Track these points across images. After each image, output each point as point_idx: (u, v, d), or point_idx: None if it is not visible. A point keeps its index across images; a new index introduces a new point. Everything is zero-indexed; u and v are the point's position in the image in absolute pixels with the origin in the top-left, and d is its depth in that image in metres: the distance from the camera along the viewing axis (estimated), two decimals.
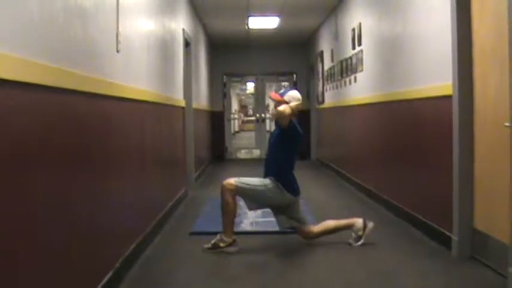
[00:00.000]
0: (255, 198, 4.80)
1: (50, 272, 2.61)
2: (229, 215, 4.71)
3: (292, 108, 4.80)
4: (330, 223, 4.96)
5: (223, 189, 4.71)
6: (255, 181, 4.83)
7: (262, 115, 15.48)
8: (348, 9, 8.93)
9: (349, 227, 4.88)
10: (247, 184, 4.77)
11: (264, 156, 5.15)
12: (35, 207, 2.43)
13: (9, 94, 2.18)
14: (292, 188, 4.87)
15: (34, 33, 2.46)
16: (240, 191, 4.74)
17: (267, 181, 4.84)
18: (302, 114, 13.48)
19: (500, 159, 3.76)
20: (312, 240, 4.91)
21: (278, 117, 4.85)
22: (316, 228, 4.93)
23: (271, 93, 5.13)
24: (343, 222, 4.94)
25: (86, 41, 3.22)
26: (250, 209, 4.97)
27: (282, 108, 4.77)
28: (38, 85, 2.44)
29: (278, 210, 4.93)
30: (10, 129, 2.20)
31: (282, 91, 5.06)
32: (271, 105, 5.18)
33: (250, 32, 12.49)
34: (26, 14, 2.38)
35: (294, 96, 4.92)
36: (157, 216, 5.36)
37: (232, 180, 4.75)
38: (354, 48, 8.38)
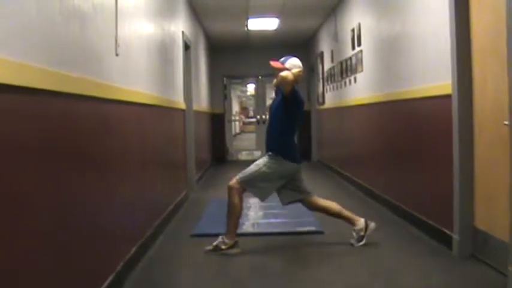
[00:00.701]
0: (262, 183, 4.75)
1: (51, 273, 2.62)
2: (234, 217, 4.71)
3: (294, 75, 4.73)
4: (335, 206, 4.96)
5: (230, 190, 4.71)
6: (253, 167, 4.80)
7: (263, 116, 15.48)
8: (347, 10, 8.94)
9: (350, 221, 4.88)
10: (248, 174, 4.75)
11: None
12: (36, 210, 2.43)
13: (7, 98, 2.19)
14: (294, 157, 4.84)
15: (33, 37, 2.47)
16: (245, 183, 4.73)
17: (264, 159, 4.81)
18: (304, 115, 13.54)
19: (500, 158, 3.77)
20: (314, 211, 4.95)
21: (280, 84, 4.76)
22: (322, 201, 4.95)
23: (272, 61, 4.95)
24: (346, 212, 4.93)
25: (84, 44, 3.23)
26: (263, 199, 4.88)
27: (284, 73, 4.68)
28: (37, 89, 2.45)
29: (283, 185, 4.88)
30: (9, 134, 2.20)
31: (282, 59, 4.92)
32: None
33: (250, 34, 12.50)
34: (25, 18, 2.39)
35: (295, 63, 4.84)
36: (158, 218, 5.37)
37: (235, 179, 4.75)
38: (353, 48, 8.38)
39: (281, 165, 4.77)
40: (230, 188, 4.73)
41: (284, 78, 4.68)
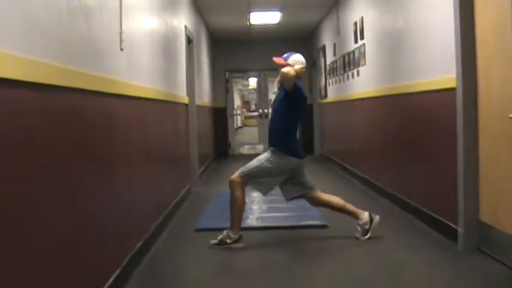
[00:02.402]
0: (264, 178, 4.76)
1: (57, 270, 2.63)
2: (237, 211, 4.71)
3: (296, 71, 4.75)
4: (339, 200, 4.97)
5: (232, 184, 4.72)
6: (255, 162, 4.80)
7: (265, 110, 15.47)
8: (350, 3, 8.91)
9: (354, 215, 4.88)
10: (250, 169, 4.75)
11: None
12: (42, 206, 2.44)
13: (14, 94, 2.19)
14: (297, 152, 4.84)
15: (39, 33, 2.47)
16: (247, 178, 4.73)
17: (267, 155, 4.81)
18: (306, 110, 13.53)
19: (505, 151, 3.77)
20: (317, 206, 4.95)
21: (283, 79, 4.77)
22: (325, 196, 4.95)
23: (275, 58, 4.97)
24: (350, 207, 4.93)
25: (90, 39, 3.23)
26: (265, 193, 4.87)
27: (286, 69, 4.69)
28: (43, 84, 2.45)
29: (285, 180, 4.88)
30: (16, 129, 2.21)
31: (285, 55, 4.94)
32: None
33: (252, 28, 12.48)
34: (31, 14, 2.39)
35: (297, 59, 4.85)
36: (162, 213, 5.38)
37: (237, 173, 4.76)
38: (356, 42, 8.37)
39: (283, 160, 4.77)
40: (232, 182, 4.73)
41: (286, 74, 4.68)
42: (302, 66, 4.83)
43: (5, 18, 2.13)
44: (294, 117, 4.87)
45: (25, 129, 2.28)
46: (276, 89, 5.40)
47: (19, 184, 2.22)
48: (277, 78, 4.93)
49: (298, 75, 4.78)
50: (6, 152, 2.11)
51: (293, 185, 4.89)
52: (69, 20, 2.88)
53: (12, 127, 2.17)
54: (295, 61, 4.82)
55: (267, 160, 4.77)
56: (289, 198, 4.98)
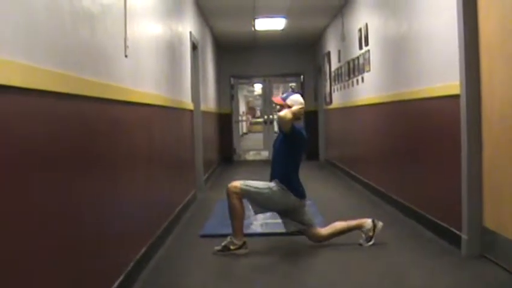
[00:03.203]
0: (260, 202, 4.80)
1: (62, 275, 2.64)
2: (237, 218, 4.72)
3: (294, 113, 4.76)
4: (338, 225, 4.96)
5: (229, 192, 4.73)
6: (260, 184, 4.83)
7: (270, 116, 15.49)
8: (355, 10, 8.93)
9: (358, 227, 4.88)
10: (252, 187, 4.77)
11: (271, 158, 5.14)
12: (46, 212, 2.45)
13: (17, 101, 2.20)
14: (298, 191, 4.87)
15: (42, 39, 2.48)
16: (245, 193, 4.75)
17: (272, 184, 4.84)
18: (310, 115, 13.59)
19: (509, 158, 3.77)
20: (321, 242, 4.91)
21: (279, 123, 4.85)
22: (325, 230, 4.93)
23: (274, 98, 5.10)
24: (352, 223, 4.93)
25: (94, 46, 3.24)
26: (256, 212, 4.93)
27: (282, 113, 4.75)
28: (46, 91, 2.46)
29: (285, 213, 4.93)
30: (18, 136, 2.22)
31: (284, 95, 5.02)
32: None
33: (257, 34, 12.51)
34: (34, 20, 2.40)
35: (296, 100, 4.89)
36: (167, 219, 5.39)
37: (237, 183, 4.76)
38: (360, 48, 8.38)
39: (285, 195, 4.81)
40: (229, 191, 4.74)
41: (282, 118, 4.76)
42: (300, 106, 4.87)
43: (8, 25, 2.14)
44: (294, 157, 4.94)
45: (26, 136, 2.30)
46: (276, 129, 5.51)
47: (21, 191, 2.23)
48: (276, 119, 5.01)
49: (297, 116, 4.83)
50: (10, 157, 2.13)
51: (293, 220, 4.93)
52: (73, 26, 2.89)
53: (14, 134, 2.18)
54: (294, 101, 4.88)
55: (269, 188, 4.81)
56: (289, 231, 5.00)
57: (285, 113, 4.74)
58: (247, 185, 4.76)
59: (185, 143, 7.04)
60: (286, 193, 4.81)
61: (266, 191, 4.79)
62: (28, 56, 2.30)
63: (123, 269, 3.67)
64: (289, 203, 4.84)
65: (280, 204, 4.84)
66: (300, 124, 4.97)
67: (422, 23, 5.33)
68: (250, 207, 4.87)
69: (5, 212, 2.07)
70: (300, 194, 4.89)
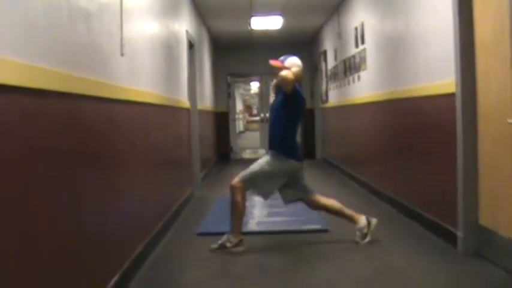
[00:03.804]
0: (265, 181, 4.78)
1: (58, 273, 2.65)
2: (238, 215, 4.73)
3: (294, 74, 4.77)
4: (336, 204, 4.98)
5: (233, 190, 4.73)
6: (255, 166, 4.83)
7: (267, 115, 15.49)
8: (351, 8, 8.94)
9: (351, 219, 4.89)
10: (251, 173, 4.78)
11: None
12: (44, 210, 2.46)
13: (15, 100, 2.21)
14: (296, 155, 4.86)
15: (39, 38, 2.49)
16: (248, 183, 4.75)
17: (266, 158, 4.83)
18: (306, 113, 13.57)
19: (504, 156, 3.78)
20: (316, 209, 4.99)
21: (281, 83, 4.79)
22: (323, 199, 4.97)
23: (271, 60, 4.99)
24: (347, 211, 4.95)
25: (90, 45, 3.25)
26: (266, 197, 4.90)
27: (284, 73, 4.73)
28: (43, 90, 2.47)
29: (285, 183, 4.90)
30: (17, 135, 2.23)
31: (282, 58, 4.97)
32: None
33: (253, 32, 12.51)
34: (31, 19, 2.41)
35: (294, 62, 4.89)
36: (164, 217, 5.39)
37: (238, 178, 4.77)
38: (357, 46, 8.39)
39: (283, 163, 4.79)
40: (232, 187, 4.75)
41: (284, 78, 4.71)
42: (299, 68, 4.86)
43: (5, 24, 2.15)
44: (294, 120, 4.88)
45: (25, 135, 2.30)
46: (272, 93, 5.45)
47: (21, 189, 2.24)
48: (273, 82, 4.96)
49: (297, 78, 4.79)
50: (9, 157, 2.14)
51: (291, 189, 4.91)
52: (70, 25, 2.90)
53: (13, 133, 2.19)
54: (292, 64, 4.86)
55: (266, 163, 4.79)
56: (287, 202, 4.99)
57: (287, 72, 4.72)
58: (246, 174, 4.77)
59: (182, 141, 7.05)
60: (284, 160, 4.79)
61: (265, 167, 4.78)
62: (26, 55, 2.31)
63: (120, 267, 3.67)
64: (290, 169, 4.82)
65: (283, 172, 4.81)
66: (298, 85, 4.92)
67: (418, 22, 5.34)
68: (256, 199, 4.81)
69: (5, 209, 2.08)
70: (299, 158, 4.88)
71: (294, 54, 5.03)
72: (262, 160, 4.84)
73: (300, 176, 4.92)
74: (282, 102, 4.86)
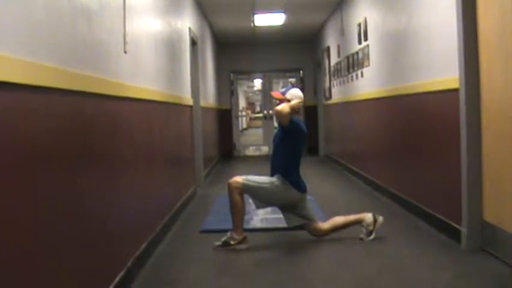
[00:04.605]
0: (262, 196, 4.82)
1: (62, 272, 2.65)
2: (238, 213, 4.73)
3: (292, 107, 4.79)
4: (339, 219, 4.97)
5: (230, 188, 4.74)
6: (261, 179, 4.85)
7: (270, 112, 15.49)
8: (353, 4, 8.93)
9: (358, 222, 4.89)
10: (254, 182, 4.79)
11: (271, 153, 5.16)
12: (46, 209, 2.46)
13: (18, 97, 2.21)
14: (299, 185, 4.89)
15: (41, 36, 2.48)
16: (246, 188, 4.76)
17: (273, 179, 4.86)
18: (309, 110, 13.60)
19: (508, 151, 3.77)
20: (322, 237, 4.92)
21: (277, 116, 4.86)
22: (325, 225, 4.94)
23: (273, 92, 5.09)
24: (352, 217, 4.94)
25: (93, 42, 3.25)
26: (258, 207, 4.95)
27: (280, 107, 4.77)
28: (46, 87, 2.46)
29: (286, 208, 4.95)
30: (19, 132, 2.23)
31: (283, 89, 5.05)
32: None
33: (256, 29, 12.50)
34: (33, 17, 2.41)
35: (295, 94, 4.92)
36: (167, 215, 5.39)
37: (239, 179, 4.77)
38: (360, 43, 8.38)
39: (286, 189, 4.84)
40: (230, 186, 4.75)
41: (280, 112, 4.78)
42: (299, 101, 4.90)
43: (7, 21, 2.15)
44: (295, 152, 4.95)
45: (28, 132, 2.30)
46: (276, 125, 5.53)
47: (22, 187, 2.23)
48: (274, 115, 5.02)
49: (295, 110, 4.86)
50: (11, 154, 2.13)
51: (295, 216, 4.95)
52: (72, 22, 2.90)
53: (15, 131, 2.19)
54: (293, 96, 4.91)
55: (271, 182, 4.83)
56: (291, 225, 5.01)
57: (282, 106, 4.76)
58: (248, 180, 4.77)
59: (185, 139, 7.05)
60: (288, 188, 4.82)
61: (268, 185, 4.80)
62: (28, 52, 2.31)
63: (123, 265, 3.67)
64: (291, 198, 4.86)
65: (282, 198, 4.86)
66: (299, 119, 4.97)
67: (421, 18, 5.32)
68: (250, 201, 4.88)
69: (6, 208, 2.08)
70: (301, 188, 4.90)
71: (295, 86, 5.07)
72: (270, 178, 4.88)
73: (302, 206, 4.94)
74: (282, 134, 4.93)
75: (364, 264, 4.21)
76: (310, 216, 4.94)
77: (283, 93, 4.94)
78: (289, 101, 4.84)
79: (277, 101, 4.95)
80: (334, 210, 5.64)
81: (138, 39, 4.43)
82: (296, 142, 4.93)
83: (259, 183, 4.80)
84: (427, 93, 5.16)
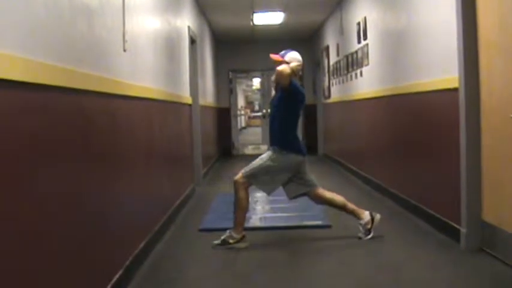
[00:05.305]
0: (268, 178, 4.78)
1: (61, 270, 2.64)
2: (241, 211, 4.73)
3: (292, 69, 4.77)
4: (340, 198, 4.96)
5: (236, 185, 4.74)
6: (257, 161, 4.83)
7: (268, 110, 15.47)
8: (353, 3, 8.92)
9: (354, 214, 4.89)
10: (253, 168, 4.78)
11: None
12: (45, 207, 2.45)
13: (17, 95, 2.20)
14: (299, 149, 4.86)
15: (41, 34, 2.48)
16: (251, 178, 4.75)
17: (269, 154, 4.84)
18: (309, 109, 13.58)
19: (507, 151, 3.77)
20: (320, 204, 4.99)
21: (278, 77, 4.80)
22: (328, 194, 4.95)
23: (272, 54, 5.01)
24: (351, 206, 4.94)
25: (92, 40, 3.24)
26: (269, 192, 4.90)
27: (280, 68, 4.74)
28: (45, 85, 2.46)
29: (288, 178, 4.89)
30: (19, 130, 2.22)
31: (282, 52, 4.98)
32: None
33: (255, 28, 12.49)
34: (33, 15, 2.40)
35: (294, 56, 4.90)
36: (166, 213, 5.39)
37: (241, 174, 4.77)
38: (359, 42, 8.37)
39: (285, 158, 4.79)
40: (236, 183, 4.75)
41: (281, 72, 4.73)
42: (298, 63, 4.88)
43: (6, 19, 2.14)
44: (293, 114, 4.89)
45: (27, 130, 2.30)
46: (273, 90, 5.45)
47: (22, 185, 2.23)
48: (272, 77, 4.98)
49: (295, 72, 4.83)
50: (9, 152, 2.13)
51: (295, 184, 4.90)
52: (72, 21, 2.89)
53: (14, 128, 2.18)
54: (292, 58, 4.87)
55: (269, 159, 4.79)
56: (291, 197, 4.98)
57: (283, 67, 4.74)
58: (249, 170, 4.78)
59: (184, 137, 7.04)
60: (287, 155, 4.79)
61: (268, 163, 4.78)
62: (28, 50, 2.30)
63: (122, 264, 3.67)
64: (293, 164, 4.82)
65: (286, 168, 4.81)
66: (297, 80, 4.92)
67: (421, 17, 5.32)
68: (259, 194, 4.82)
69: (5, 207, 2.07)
70: (301, 151, 4.88)
71: (294, 49, 5.03)
72: (265, 155, 4.84)
73: (303, 170, 4.91)
74: (281, 97, 4.87)
75: (364, 263, 4.21)
76: (310, 181, 4.93)
77: (283, 56, 4.90)
78: (288, 63, 4.81)
79: (276, 63, 4.86)
80: (333, 209, 5.62)
81: (137, 38, 4.42)
82: (295, 104, 4.87)
83: (258, 165, 4.78)
84: (426, 93, 5.15)
